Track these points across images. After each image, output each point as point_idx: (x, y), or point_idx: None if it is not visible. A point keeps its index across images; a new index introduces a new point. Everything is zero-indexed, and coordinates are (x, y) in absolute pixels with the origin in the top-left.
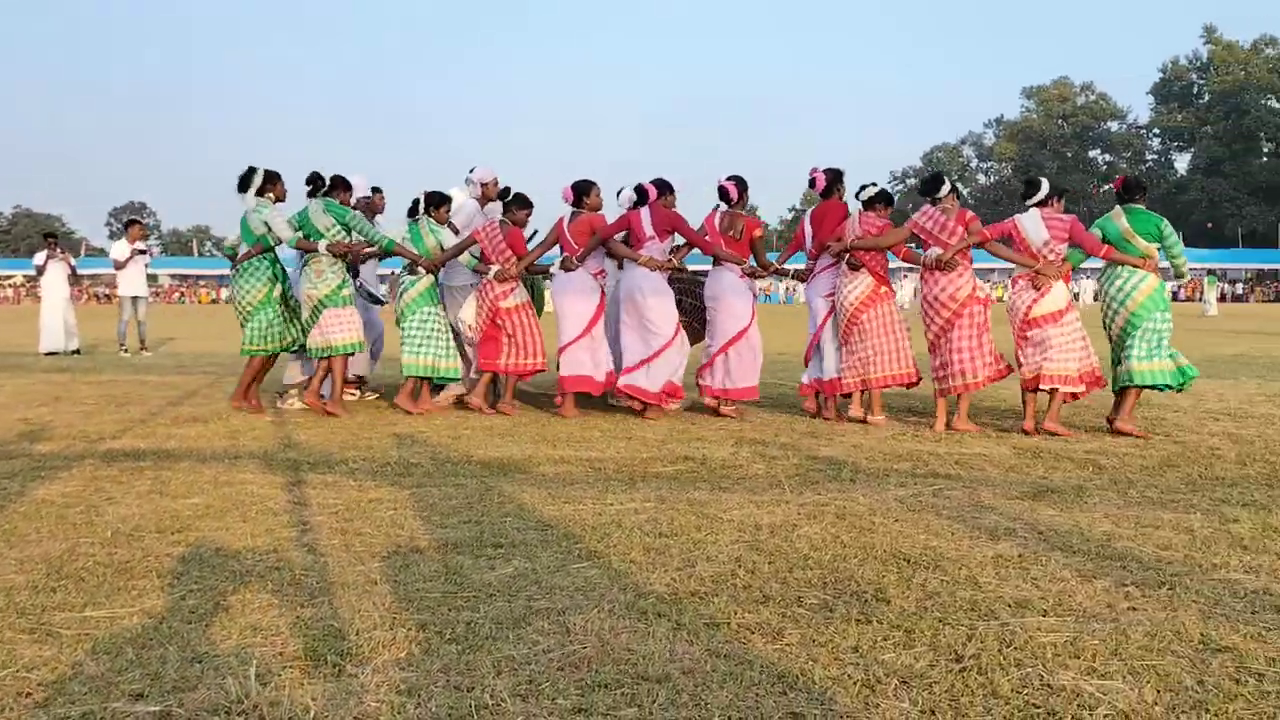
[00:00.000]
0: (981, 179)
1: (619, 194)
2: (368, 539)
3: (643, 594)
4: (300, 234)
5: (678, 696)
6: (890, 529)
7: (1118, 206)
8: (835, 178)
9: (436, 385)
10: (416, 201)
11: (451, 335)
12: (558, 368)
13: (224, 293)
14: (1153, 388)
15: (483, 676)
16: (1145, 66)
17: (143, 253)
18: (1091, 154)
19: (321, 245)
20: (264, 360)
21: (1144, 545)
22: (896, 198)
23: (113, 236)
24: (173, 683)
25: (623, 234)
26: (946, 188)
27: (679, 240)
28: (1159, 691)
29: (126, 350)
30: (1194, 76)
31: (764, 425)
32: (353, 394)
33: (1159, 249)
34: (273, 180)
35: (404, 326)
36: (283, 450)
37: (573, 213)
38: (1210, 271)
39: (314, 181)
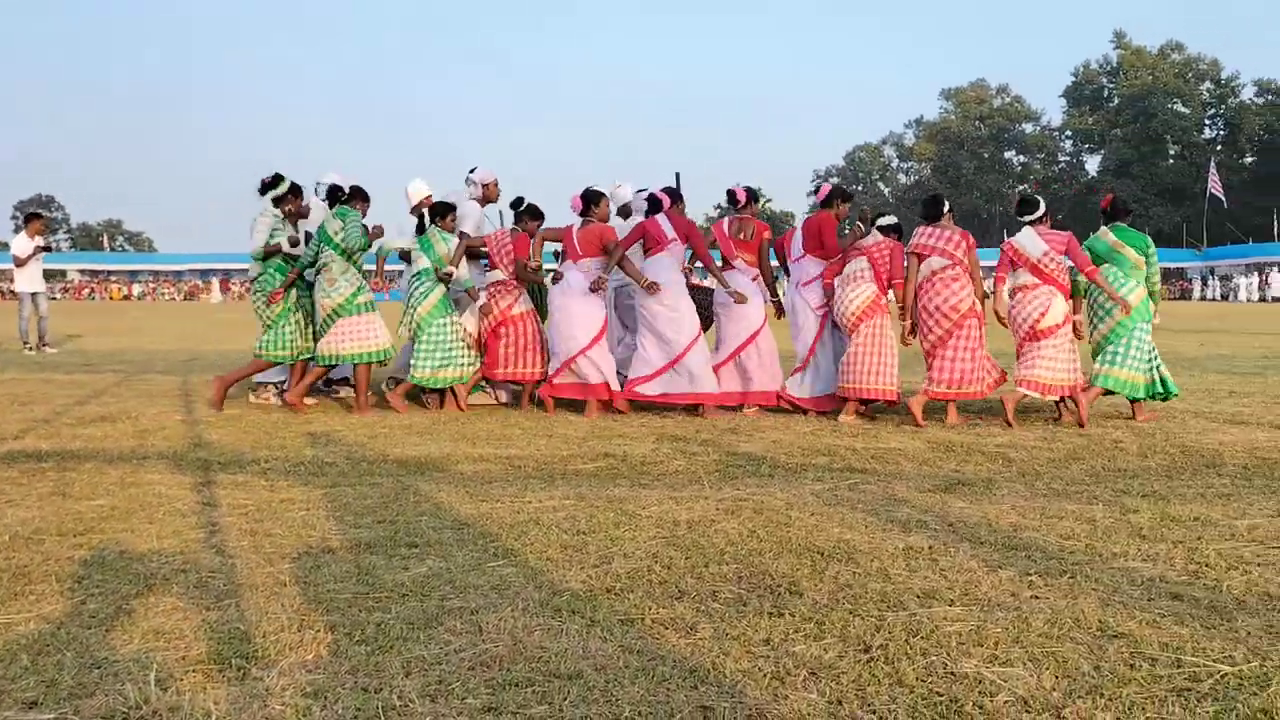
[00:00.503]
0: (902, 179)
1: (616, 189)
2: (278, 540)
3: (558, 591)
4: (260, 248)
5: (589, 693)
6: (806, 523)
7: (1104, 226)
8: (836, 191)
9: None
10: (423, 216)
11: (469, 340)
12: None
13: (135, 288)
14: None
15: (391, 677)
16: (1058, 70)
17: (46, 249)
18: (1007, 155)
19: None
20: (304, 364)
21: (1048, 535)
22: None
23: (17, 230)
24: (69, 689)
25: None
26: (946, 207)
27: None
28: (1057, 677)
29: (30, 348)
30: (1104, 80)
31: (685, 422)
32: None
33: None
34: (295, 193)
35: (420, 339)
36: (193, 450)
37: (583, 221)
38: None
39: (333, 194)
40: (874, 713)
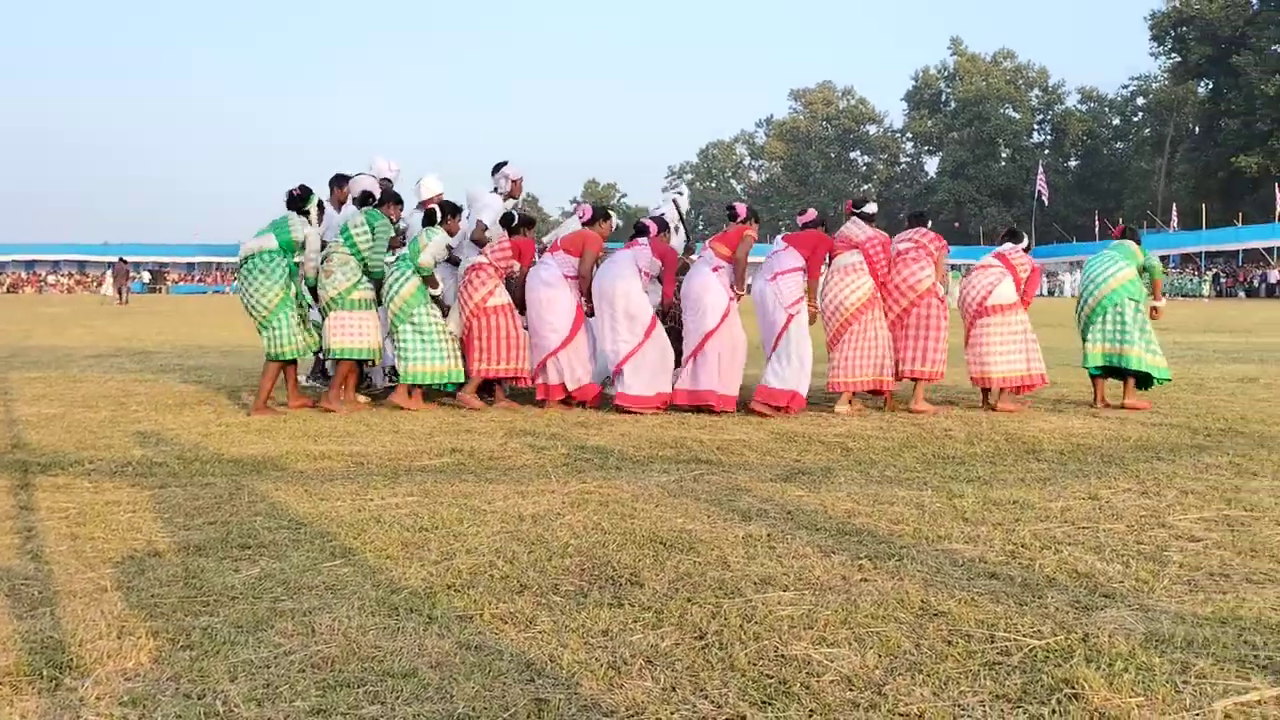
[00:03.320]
0: (754, 176)
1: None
2: (100, 544)
3: (396, 589)
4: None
5: (423, 691)
6: (650, 514)
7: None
8: (822, 218)
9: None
10: (431, 212)
11: (450, 335)
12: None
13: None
14: (1150, 377)
15: (216, 683)
16: (900, 74)
17: None
18: (853, 155)
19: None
20: (280, 364)
21: (879, 521)
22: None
23: None
24: None
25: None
26: (929, 222)
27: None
28: (880, 655)
29: None
30: (942, 85)
31: (535, 416)
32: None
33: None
34: (321, 208)
35: (399, 332)
36: (10, 451)
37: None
38: (955, 267)
39: (366, 198)
40: (706, 697)
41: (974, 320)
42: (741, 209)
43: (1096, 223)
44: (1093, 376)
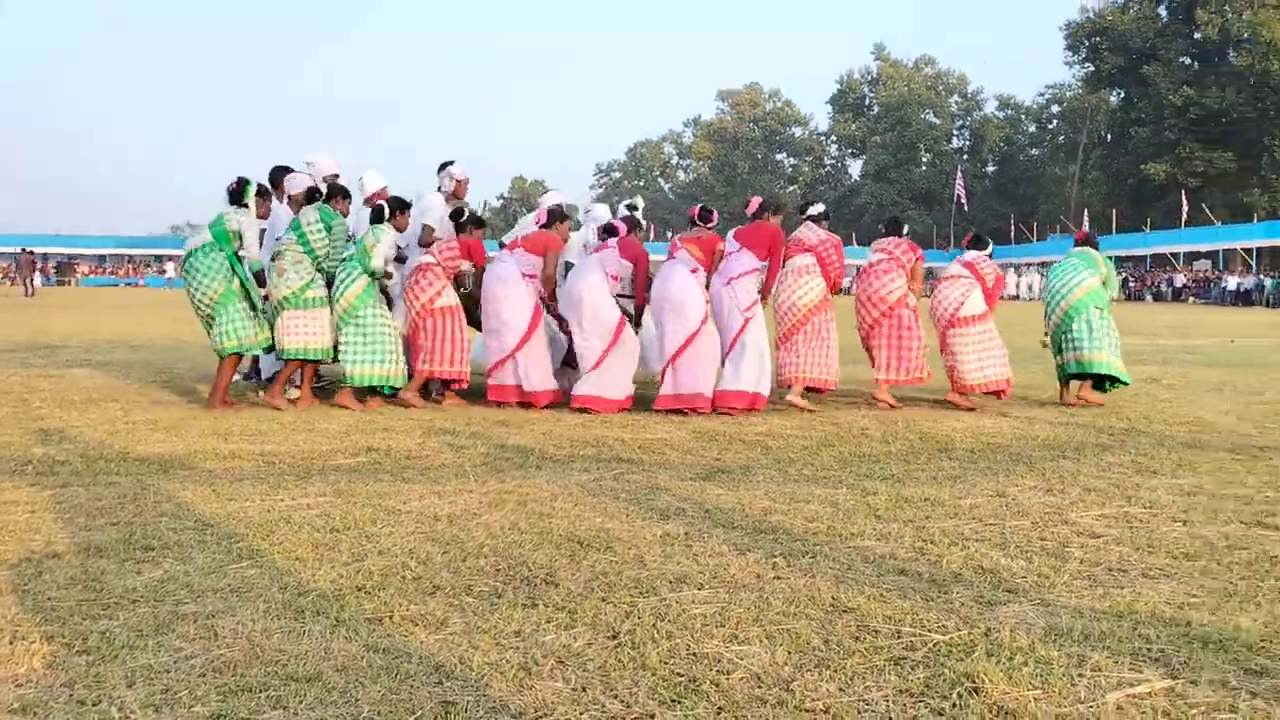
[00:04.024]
0: (682, 175)
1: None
2: None
3: (304, 592)
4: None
5: (327, 695)
6: (569, 513)
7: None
8: (768, 204)
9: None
10: (379, 209)
11: (397, 336)
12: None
13: None
14: (1108, 379)
15: (113, 688)
16: (825, 77)
17: None
18: (779, 157)
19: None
20: (236, 359)
21: (795, 519)
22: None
23: None
24: None
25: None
26: (905, 230)
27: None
28: (789, 652)
29: None
30: (866, 89)
31: (456, 414)
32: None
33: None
34: (263, 195)
35: (343, 333)
36: None
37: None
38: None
39: (311, 194)
40: (616, 697)
41: (946, 330)
42: (695, 213)
43: (1012, 227)
44: (1061, 380)
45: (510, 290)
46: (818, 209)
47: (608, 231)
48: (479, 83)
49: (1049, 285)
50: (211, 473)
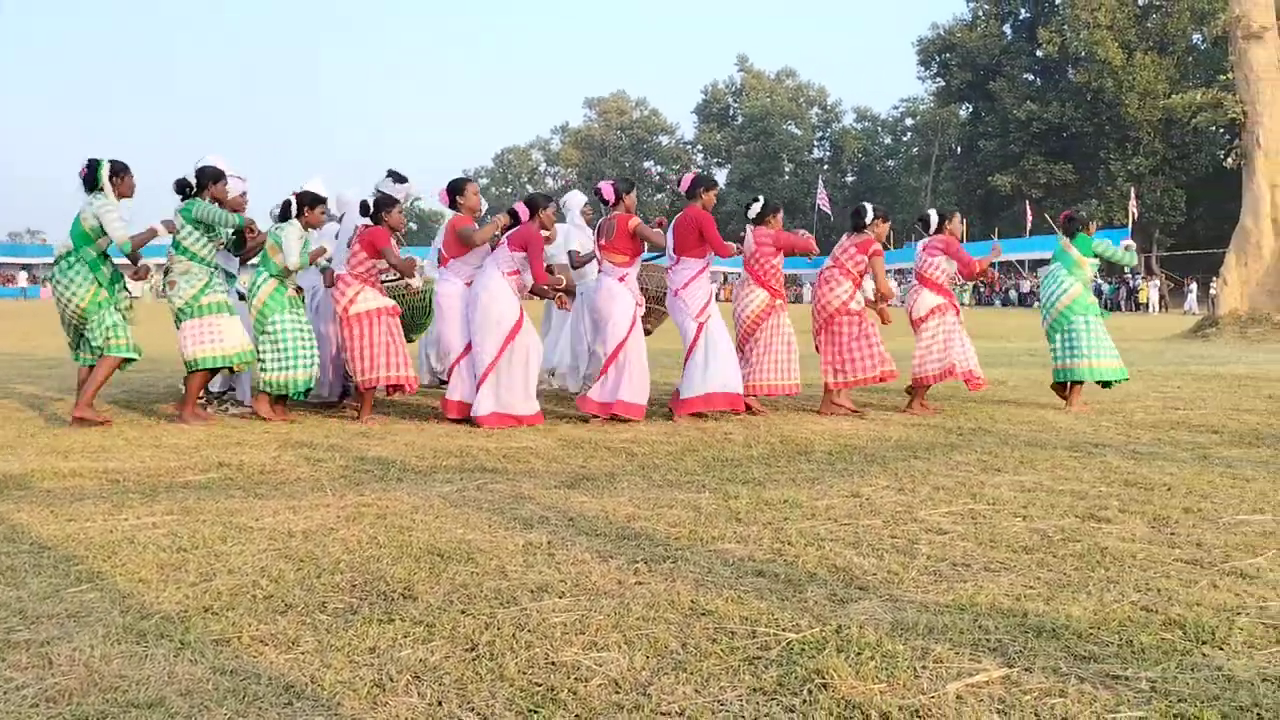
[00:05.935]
0: (550, 182)
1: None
2: None
3: (147, 615)
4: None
5: None
6: (430, 526)
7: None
8: (701, 179)
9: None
10: (288, 203)
11: (313, 342)
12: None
13: None
14: (1101, 384)
15: None
16: (691, 87)
17: None
18: (646, 164)
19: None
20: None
21: (658, 524)
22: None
23: None
24: None
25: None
26: (870, 218)
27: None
28: (647, 656)
29: None
30: (730, 100)
31: (314, 427)
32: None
33: (1095, 261)
34: (119, 173)
35: (260, 339)
36: None
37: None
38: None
39: (181, 188)
40: (473, 709)
41: (914, 327)
42: (609, 191)
43: None
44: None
45: (456, 304)
46: (754, 210)
47: (513, 219)
48: (344, 84)
49: (1041, 295)
50: (50, 492)
